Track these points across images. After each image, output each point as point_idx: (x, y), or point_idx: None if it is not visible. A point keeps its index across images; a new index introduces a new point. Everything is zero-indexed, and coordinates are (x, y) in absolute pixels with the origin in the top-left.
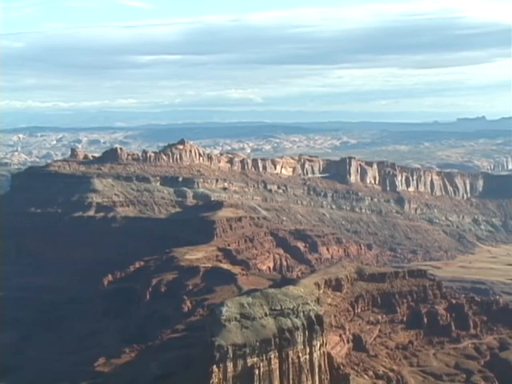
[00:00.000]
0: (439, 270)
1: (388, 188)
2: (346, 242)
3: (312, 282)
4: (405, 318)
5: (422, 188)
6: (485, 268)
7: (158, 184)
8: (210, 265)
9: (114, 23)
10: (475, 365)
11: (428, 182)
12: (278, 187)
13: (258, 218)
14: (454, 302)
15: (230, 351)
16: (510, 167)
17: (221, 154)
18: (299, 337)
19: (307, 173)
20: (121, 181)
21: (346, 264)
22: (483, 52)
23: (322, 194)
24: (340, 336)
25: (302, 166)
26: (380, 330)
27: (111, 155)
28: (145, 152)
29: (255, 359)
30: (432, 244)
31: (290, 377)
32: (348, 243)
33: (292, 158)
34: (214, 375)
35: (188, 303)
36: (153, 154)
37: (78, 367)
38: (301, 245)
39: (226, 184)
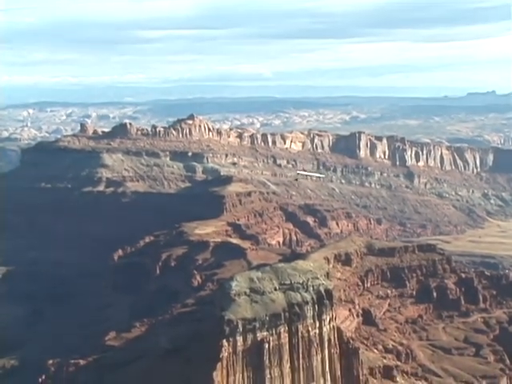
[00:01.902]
0: (449, 244)
1: (398, 163)
2: (355, 217)
3: (321, 256)
4: (414, 293)
5: (431, 162)
6: (494, 242)
7: (168, 159)
8: (219, 239)
9: None
10: (484, 339)
11: (438, 157)
12: (288, 162)
13: (268, 193)
14: (463, 276)
15: (240, 325)
16: None
17: (230, 129)
18: (309, 311)
19: (317, 147)
20: (130, 156)
21: (356, 238)
22: (494, 26)
23: (332, 168)
24: (349, 310)
25: (312, 141)
26: (389, 305)
27: (121, 130)
28: (154, 127)
29: (265, 333)
30: (442, 218)
31: (300, 351)
32: (357, 218)
33: (302, 133)
34: (223, 349)
35: (198, 278)
36: (162, 129)
37: (89, 341)
38: (310, 219)
39: (235, 159)
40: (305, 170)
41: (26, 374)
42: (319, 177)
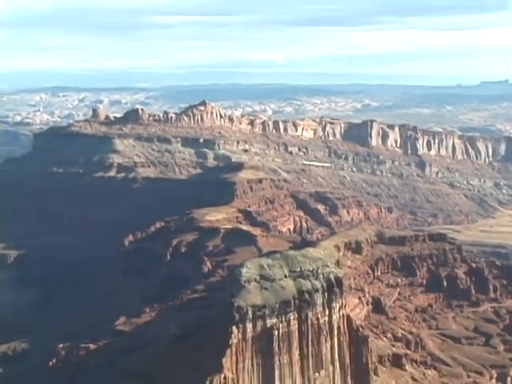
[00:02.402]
0: (460, 233)
1: (409, 151)
2: (366, 205)
3: (332, 244)
4: (424, 282)
5: (443, 151)
6: (506, 232)
7: (179, 145)
8: (230, 226)
9: None
10: (494, 328)
11: (450, 146)
12: (299, 149)
13: (279, 180)
14: (473, 265)
15: (250, 312)
16: None
17: (242, 116)
18: (318, 299)
19: (328, 135)
20: (142, 141)
21: (366, 227)
22: (509, 14)
23: (343, 156)
24: (359, 298)
25: (324, 129)
26: (399, 293)
27: (133, 116)
28: (166, 113)
29: (274, 320)
30: (453, 208)
31: (309, 338)
32: (368, 206)
33: (313, 121)
34: (233, 336)
35: (208, 264)
36: (174, 115)
37: (99, 326)
38: (321, 207)
39: (246, 146)
40: (316, 157)
41: (37, 358)
42: (326, 166)
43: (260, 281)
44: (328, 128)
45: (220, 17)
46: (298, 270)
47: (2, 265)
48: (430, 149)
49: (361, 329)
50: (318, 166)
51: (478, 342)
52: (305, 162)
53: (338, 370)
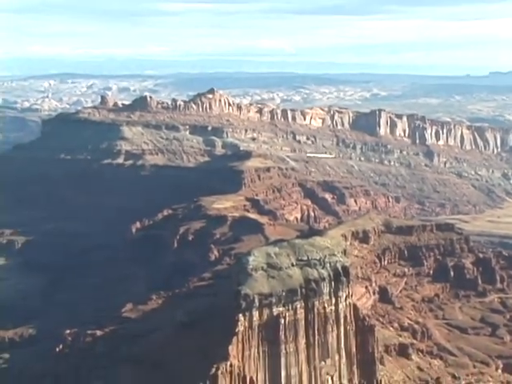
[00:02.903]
0: (467, 224)
1: (417, 141)
2: (373, 195)
3: (339, 233)
4: (431, 271)
5: (451, 142)
6: None
7: (187, 133)
8: (237, 214)
9: None
10: (501, 319)
11: (458, 136)
12: (307, 138)
13: (287, 169)
14: (481, 256)
15: (256, 300)
16: None
17: (250, 104)
18: (325, 287)
19: (336, 124)
20: (150, 129)
21: (374, 216)
22: None
23: (351, 145)
24: (366, 288)
25: (332, 118)
26: (406, 283)
27: (141, 103)
28: (174, 100)
29: (281, 309)
30: (460, 198)
31: (316, 327)
32: (376, 195)
33: (322, 109)
34: (239, 323)
35: (215, 252)
36: (182, 103)
37: (105, 312)
38: (329, 196)
39: (254, 134)
40: (324, 146)
41: (44, 344)
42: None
43: (267, 269)
44: (336, 117)
45: (227, 4)
46: (305, 258)
47: (9, 251)
48: (438, 139)
49: (367, 318)
50: (321, 158)
51: (485, 333)
52: (309, 154)
53: (343, 359)
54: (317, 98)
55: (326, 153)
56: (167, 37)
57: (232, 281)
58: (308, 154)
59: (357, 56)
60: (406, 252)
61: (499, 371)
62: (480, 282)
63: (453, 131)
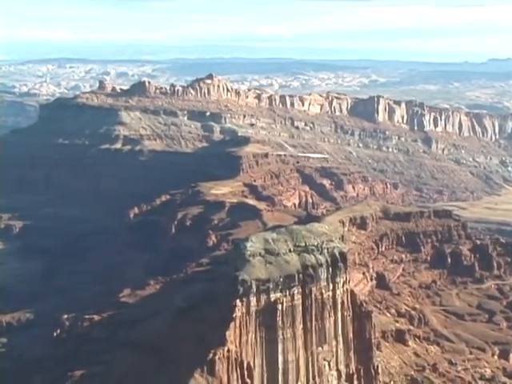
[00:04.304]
0: (465, 210)
1: (416, 127)
2: (371, 181)
3: (337, 219)
4: (429, 258)
5: (449, 128)
6: (511, 210)
7: (186, 118)
8: (235, 200)
9: None
10: (497, 305)
11: (456, 123)
12: (306, 124)
13: (285, 155)
14: (478, 242)
15: (254, 286)
16: None
17: (249, 90)
18: (323, 273)
19: (335, 110)
20: (148, 114)
21: (372, 202)
22: None
23: (350, 132)
24: (363, 274)
25: (330, 104)
26: (403, 269)
27: (139, 88)
28: (173, 86)
29: (278, 294)
30: (458, 185)
31: (313, 313)
32: (374, 182)
33: (320, 95)
34: (237, 309)
35: (213, 237)
36: (181, 88)
37: (103, 297)
38: (326, 182)
39: (253, 120)
40: (322, 132)
41: (41, 328)
42: (322, 157)
43: (264, 255)
44: (335, 103)
45: None
46: (303, 244)
47: (7, 235)
48: (436, 125)
49: (364, 304)
50: (312, 158)
51: (481, 319)
52: (299, 154)
53: (341, 345)
54: (315, 84)
55: (320, 152)
56: (165, 22)
57: (230, 266)
58: (299, 154)
59: (355, 42)
60: (403, 238)
61: (495, 357)
62: (477, 268)
63: (451, 118)
